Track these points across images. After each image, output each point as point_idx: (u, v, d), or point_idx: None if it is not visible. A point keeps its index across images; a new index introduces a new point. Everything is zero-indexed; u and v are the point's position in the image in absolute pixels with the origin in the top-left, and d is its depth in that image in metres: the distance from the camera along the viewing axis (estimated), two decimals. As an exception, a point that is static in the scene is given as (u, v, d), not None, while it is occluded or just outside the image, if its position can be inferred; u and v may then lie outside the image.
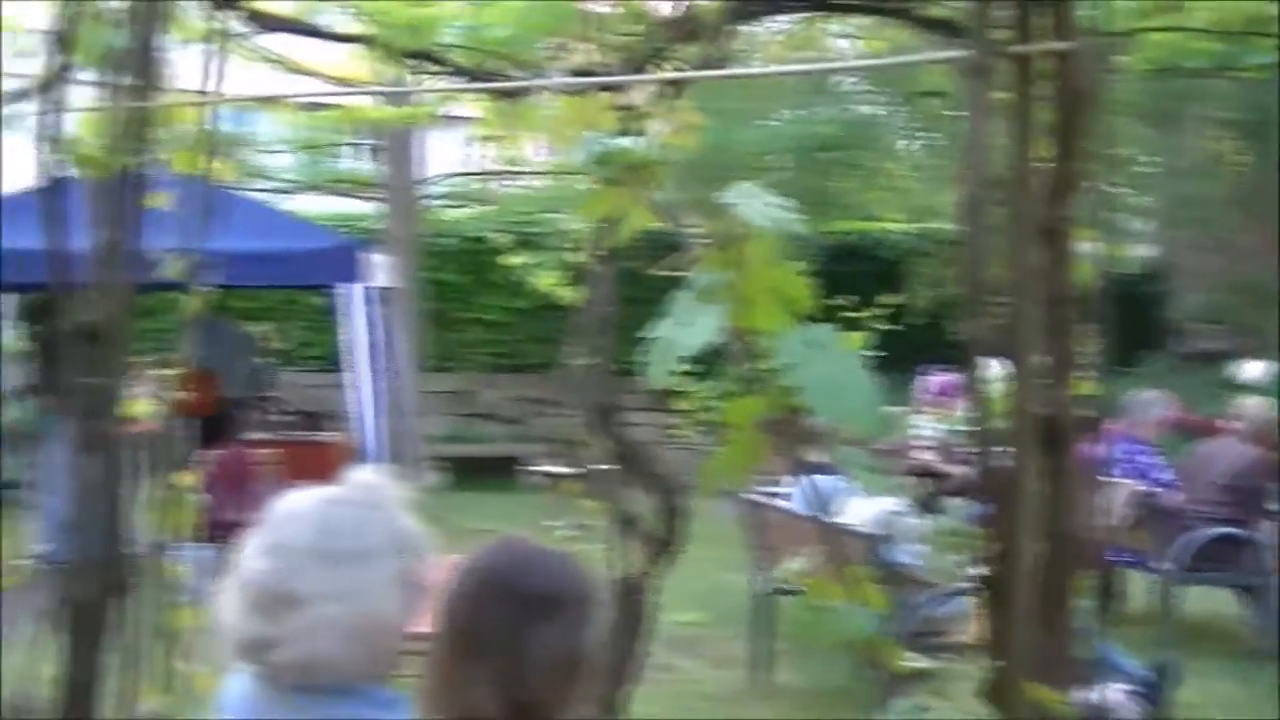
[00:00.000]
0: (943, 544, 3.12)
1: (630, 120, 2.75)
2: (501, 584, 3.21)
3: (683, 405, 16.25)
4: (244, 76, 15.34)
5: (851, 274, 20.59)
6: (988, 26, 2.55)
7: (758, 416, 2.51)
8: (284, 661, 3.13)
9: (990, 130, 2.52)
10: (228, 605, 3.21)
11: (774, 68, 15.03)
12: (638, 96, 2.75)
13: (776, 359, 2.43)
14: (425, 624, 3.26)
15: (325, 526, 3.15)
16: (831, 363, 2.39)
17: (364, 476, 3.29)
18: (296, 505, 3.23)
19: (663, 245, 2.58)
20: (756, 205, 2.46)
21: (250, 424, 16.75)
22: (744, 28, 9.79)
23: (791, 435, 2.56)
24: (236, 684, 3.33)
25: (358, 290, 14.79)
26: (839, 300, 7.34)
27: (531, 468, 19.04)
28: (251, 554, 3.19)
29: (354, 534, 3.15)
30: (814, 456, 2.93)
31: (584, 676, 3.22)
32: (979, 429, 2.56)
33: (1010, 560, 2.52)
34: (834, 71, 18.07)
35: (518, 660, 3.11)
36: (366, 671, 3.16)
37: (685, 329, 2.49)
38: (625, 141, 2.66)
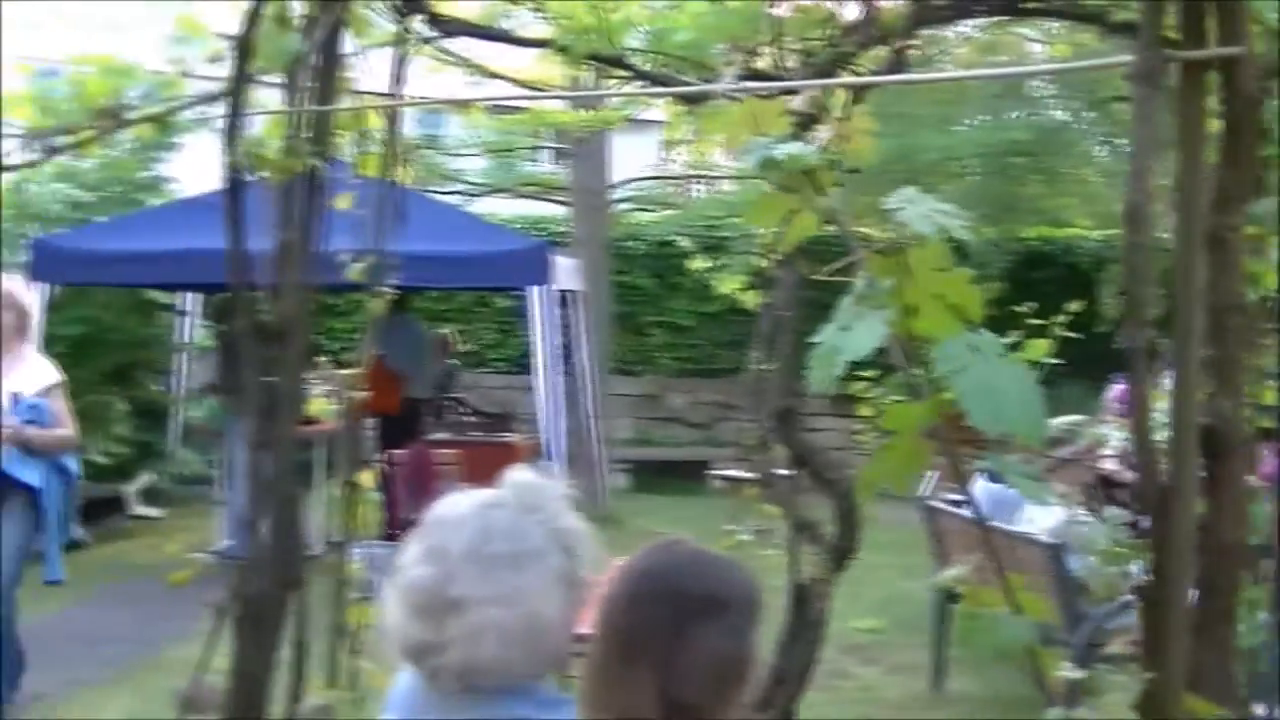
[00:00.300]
0: (1107, 554, 3.07)
1: (804, 125, 2.73)
2: (662, 585, 3.20)
3: (866, 410, 16.18)
4: (434, 80, 15.52)
5: (1040, 280, 20.41)
6: (1158, 31, 2.52)
7: (919, 422, 2.49)
8: (447, 665, 3.14)
9: (1158, 136, 2.48)
10: (391, 608, 3.23)
11: (953, 73, 14.90)
12: (811, 102, 2.73)
13: (939, 365, 2.41)
14: (588, 625, 3.26)
15: (483, 530, 3.16)
16: (993, 370, 2.37)
17: (524, 478, 3.30)
18: (455, 509, 3.24)
19: (839, 250, 2.57)
20: (922, 211, 2.44)
21: (435, 424, 16.89)
22: (930, 31, 9.73)
23: (955, 442, 2.54)
24: (403, 683, 3.36)
25: (545, 293, 14.86)
26: (1026, 306, 7.24)
27: (715, 472, 19.04)
28: (412, 558, 3.21)
29: (512, 537, 3.16)
30: (979, 464, 2.88)
31: (745, 680, 3.20)
32: (1141, 439, 2.53)
33: (1168, 572, 2.48)
34: (1006, 78, 17.91)
35: (677, 662, 3.10)
36: (529, 673, 3.16)
37: (849, 335, 2.47)
38: (795, 147, 2.65)
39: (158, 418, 19.02)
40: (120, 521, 17.58)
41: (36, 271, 15.07)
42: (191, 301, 19.01)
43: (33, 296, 9.76)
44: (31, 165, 7.61)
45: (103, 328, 17.35)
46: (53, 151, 7.11)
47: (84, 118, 6.71)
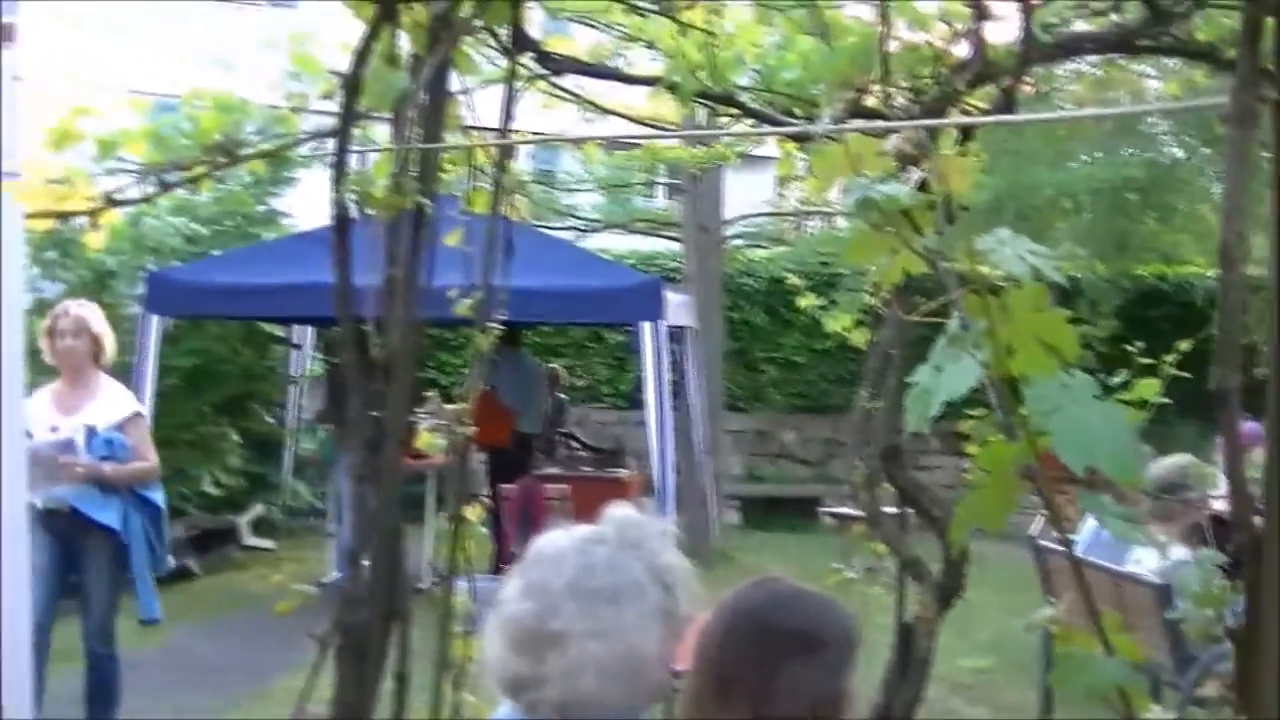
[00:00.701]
0: (1202, 597, 3.03)
1: (904, 164, 2.74)
2: (758, 622, 3.22)
3: (973, 449, 16.08)
4: (547, 116, 15.59)
5: (1154, 318, 20.28)
6: (1254, 71, 2.51)
7: (1013, 462, 2.49)
8: (546, 699, 3.16)
9: (1251, 177, 2.48)
10: (492, 643, 3.26)
11: (1052, 113, 14.84)
12: (912, 140, 2.73)
13: (1031, 405, 2.41)
14: (686, 660, 3.27)
15: (584, 566, 3.18)
16: (1085, 410, 2.37)
17: (624, 514, 3.32)
18: (556, 545, 3.26)
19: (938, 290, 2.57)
20: (1015, 252, 2.44)
21: (545, 459, 16.95)
22: (1042, 69, 9.69)
23: (1053, 482, 2.54)
24: (502, 716, 3.38)
25: (657, 328, 14.88)
26: (1138, 345, 7.19)
27: (826, 509, 19.00)
28: (513, 593, 3.23)
29: (613, 572, 3.18)
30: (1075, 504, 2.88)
31: (840, 717, 3.20)
32: (1234, 481, 2.52)
33: (1261, 615, 2.47)
34: (1105, 117, 17.76)
35: (773, 698, 3.11)
36: (627, 707, 3.18)
37: (942, 375, 2.48)
38: (892, 187, 2.65)
39: (270, 450, 19.20)
40: (232, 552, 17.74)
41: (152, 304, 15.26)
42: (304, 335, 19.18)
43: (104, 322, 9.60)
44: (146, 200, 7.72)
45: (216, 360, 17.53)
46: (167, 186, 7.20)
47: (198, 153, 6.79)
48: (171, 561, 10.08)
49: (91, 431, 9.16)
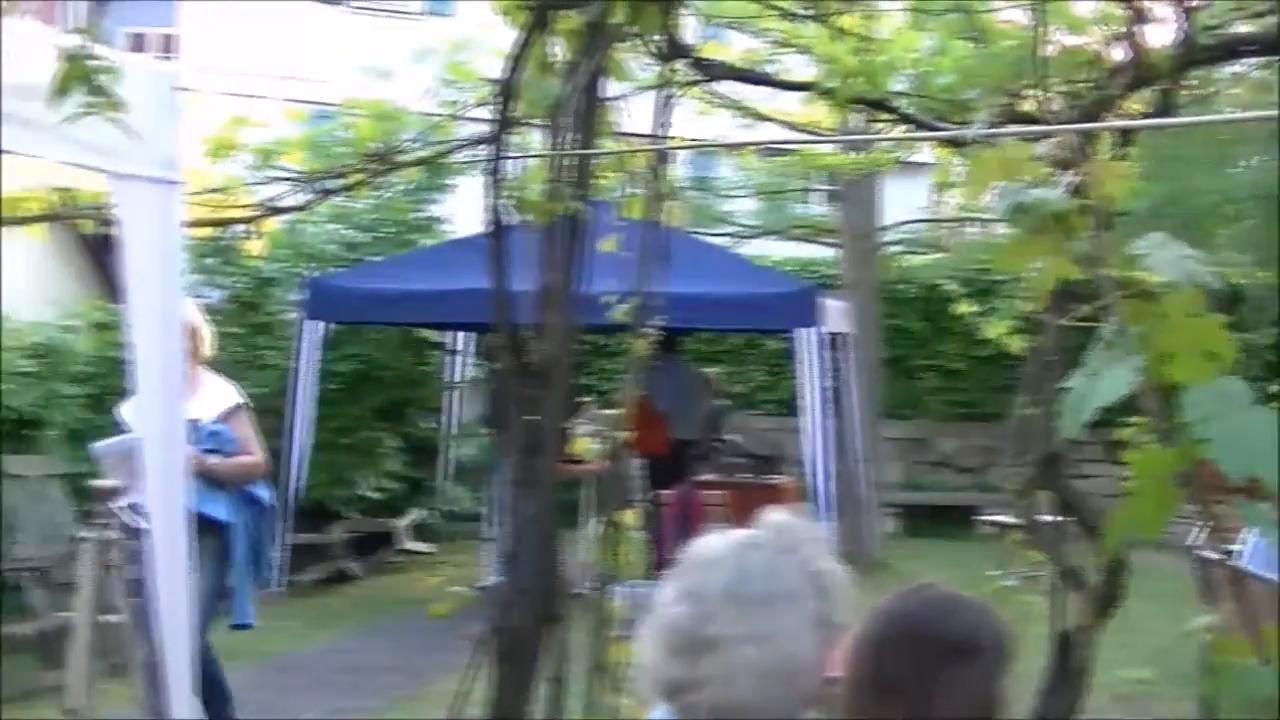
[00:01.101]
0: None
1: (1057, 169, 2.71)
2: (915, 629, 3.20)
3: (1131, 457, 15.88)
4: (703, 123, 15.60)
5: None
6: None
7: (1168, 470, 2.46)
8: (700, 703, 3.16)
9: None
10: (648, 647, 3.26)
11: (1195, 117, 14.62)
12: (1065, 145, 2.71)
13: (1187, 412, 2.38)
14: (840, 667, 3.26)
15: (740, 570, 3.17)
16: (1243, 417, 2.34)
17: (781, 519, 3.30)
18: (712, 549, 3.26)
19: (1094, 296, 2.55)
20: (1170, 257, 2.42)
21: (703, 465, 16.93)
22: (1202, 72, 9.58)
23: (1212, 490, 2.51)
24: (658, 719, 3.38)
25: (814, 335, 14.85)
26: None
27: (984, 517, 18.86)
28: (669, 597, 3.23)
29: (768, 577, 3.16)
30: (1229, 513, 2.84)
31: None
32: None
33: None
34: (1267, 121, 17.50)
35: (931, 705, 3.09)
36: (782, 712, 3.17)
37: (1098, 381, 2.46)
38: (1044, 192, 2.63)
39: (428, 454, 19.35)
40: (390, 556, 17.88)
41: (312, 310, 15.43)
42: (462, 340, 19.31)
43: (199, 315, 9.30)
44: (304, 207, 7.82)
45: (375, 365, 17.70)
46: (325, 194, 7.29)
47: (355, 160, 6.87)
48: (274, 574, 9.74)
49: (195, 425, 8.62)
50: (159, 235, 6.24)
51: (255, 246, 10.74)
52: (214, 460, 8.78)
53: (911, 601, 3.31)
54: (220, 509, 8.81)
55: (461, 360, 19.46)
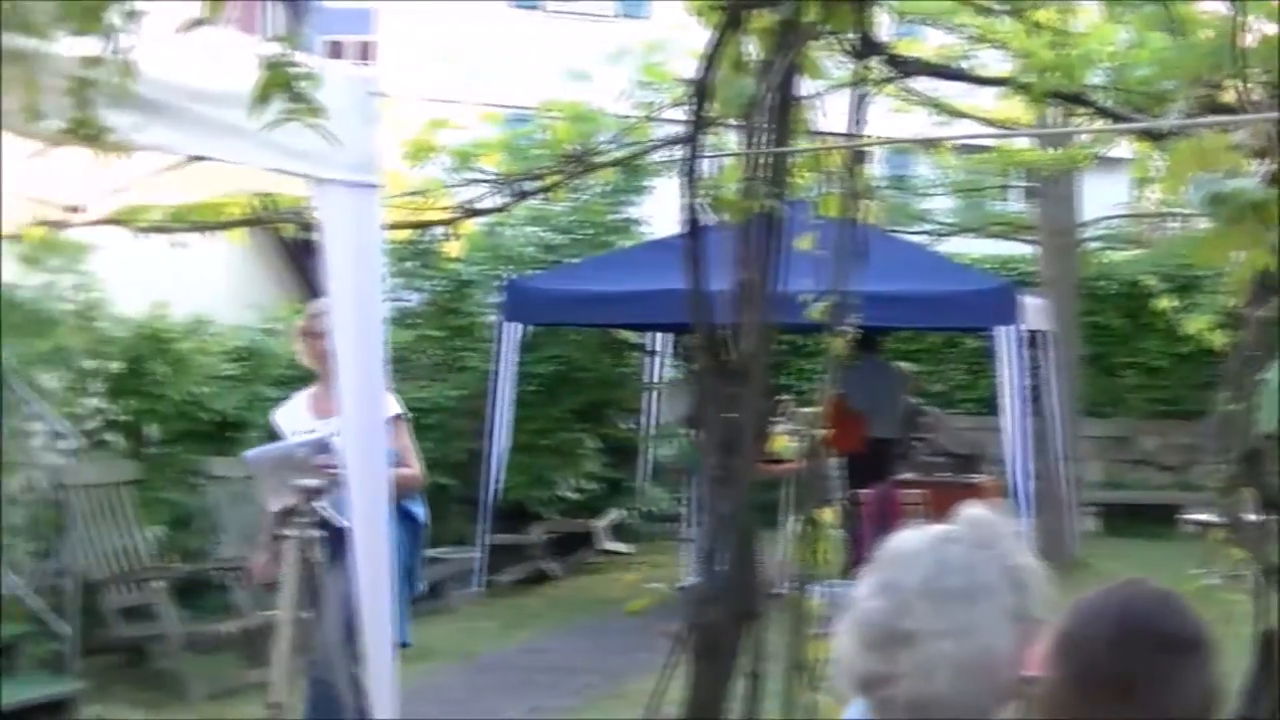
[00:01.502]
0: None
1: (1255, 159, 2.68)
2: (1136, 624, 3.16)
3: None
4: (899, 120, 15.54)
5: None
6: None
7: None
8: (897, 698, 3.15)
9: None
10: (844, 641, 3.26)
11: None
12: (1262, 134, 2.68)
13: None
14: (1038, 663, 3.23)
15: (938, 564, 3.16)
16: None
17: (978, 513, 3.29)
18: (909, 543, 3.25)
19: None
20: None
21: (902, 464, 16.85)
22: None
23: None
24: (853, 715, 3.38)
25: (1012, 333, 14.74)
26: None
27: (1187, 516, 18.59)
28: (866, 592, 3.23)
29: (965, 572, 3.15)
30: None
31: (1219, 717, 3.14)
32: None
33: None
34: None
35: (1159, 702, 3.06)
36: (978, 707, 3.15)
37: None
38: (1241, 181, 2.61)
39: (627, 455, 19.39)
40: (589, 556, 17.95)
41: (510, 312, 15.59)
42: (660, 341, 19.36)
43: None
44: (502, 209, 7.89)
45: (574, 367, 17.78)
46: (523, 195, 7.34)
47: (552, 162, 6.92)
48: (423, 586, 9.38)
49: None
50: (359, 238, 6.32)
51: (454, 249, 10.84)
52: None
53: (1125, 596, 3.27)
54: None
55: (660, 361, 19.50)
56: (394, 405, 8.37)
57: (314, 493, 7.85)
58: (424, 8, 31.24)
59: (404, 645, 8.21)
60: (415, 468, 8.70)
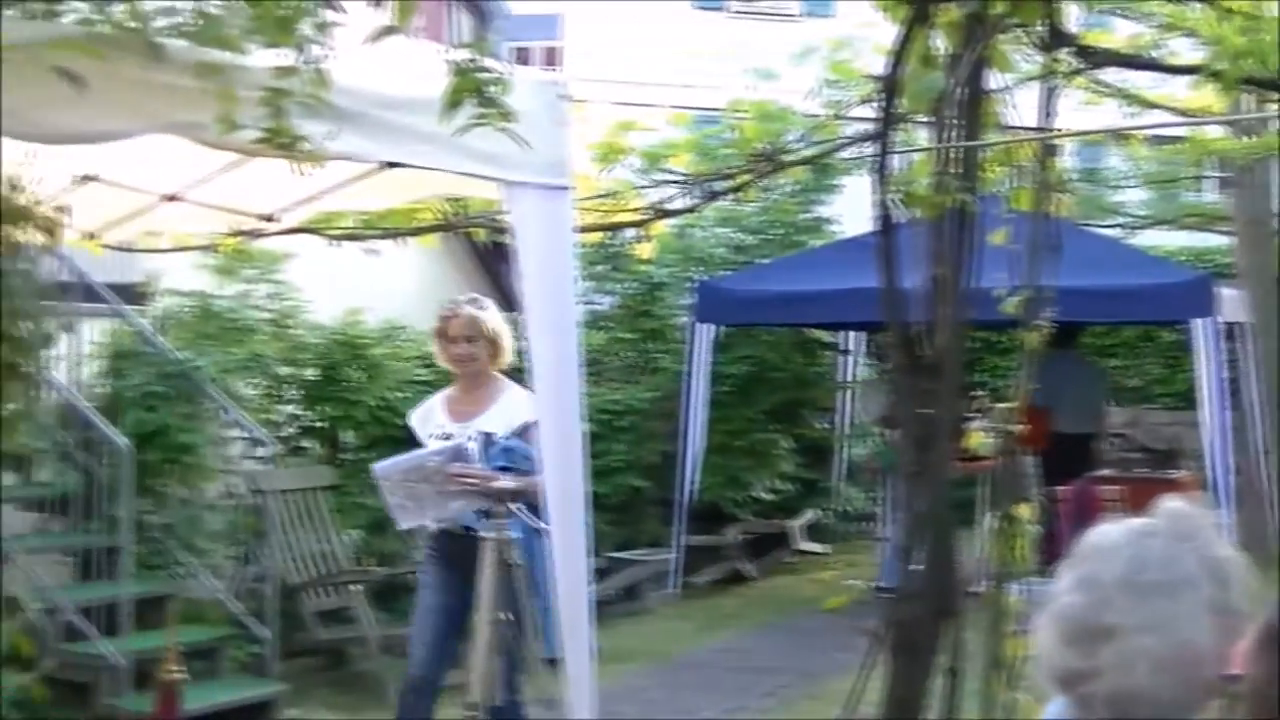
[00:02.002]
0: None
1: None
2: None
3: None
4: (1090, 112, 15.38)
5: None
6: None
7: None
8: (1097, 694, 3.12)
9: None
10: (1044, 636, 3.23)
11: None
12: None
13: None
14: (1241, 659, 3.18)
15: (1135, 558, 3.12)
16: None
17: (1176, 506, 3.25)
18: (1107, 537, 3.21)
19: None
20: None
21: (1099, 460, 16.66)
22: None
23: None
24: (1053, 712, 3.35)
25: (1209, 326, 14.53)
26: None
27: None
28: (1065, 586, 3.20)
29: (1164, 565, 3.11)
30: None
31: None
32: None
33: None
34: None
35: None
36: (1179, 703, 3.11)
37: None
38: None
39: (821, 455, 19.34)
40: (785, 557, 17.93)
41: (702, 313, 15.64)
42: (853, 340, 19.30)
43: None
44: (693, 209, 7.89)
45: (767, 367, 17.76)
46: (713, 196, 7.35)
47: (741, 162, 6.92)
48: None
49: (488, 439, 8.08)
50: (551, 241, 6.36)
51: (645, 252, 10.85)
52: (506, 480, 7.82)
53: None
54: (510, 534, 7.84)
55: (853, 360, 19.44)
56: (532, 410, 7.91)
57: (511, 495, 7.78)
58: (609, 11, 31.43)
59: (550, 661, 7.71)
60: None
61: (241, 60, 4.68)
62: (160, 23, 4.57)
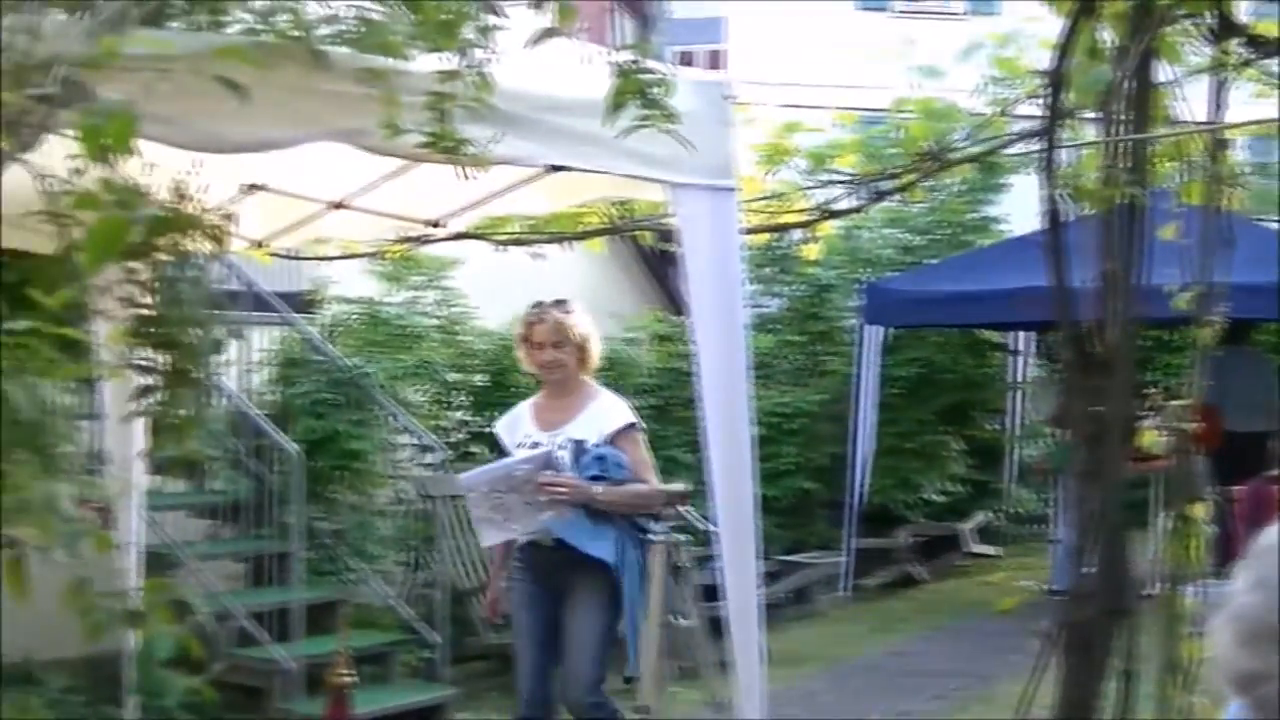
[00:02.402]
0: None
1: None
2: None
3: None
4: (1260, 105, 15.15)
5: None
6: None
7: None
8: (1275, 696, 3.06)
9: None
10: (1220, 638, 3.17)
11: None
12: None
13: None
14: None
15: (1312, 559, 3.06)
16: None
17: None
18: (1280, 537, 3.15)
19: None
20: None
21: (1273, 459, 16.39)
22: None
23: None
24: (1232, 715, 3.29)
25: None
26: None
27: None
28: (1240, 587, 3.13)
29: (1342, 566, 3.04)
30: None
31: None
32: None
33: None
34: None
35: None
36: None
37: None
38: None
39: (992, 457, 19.20)
40: (956, 559, 17.82)
41: (870, 315, 15.58)
42: (1023, 340, 19.13)
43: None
44: (859, 209, 7.85)
45: (936, 368, 17.66)
46: (879, 196, 7.30)
47: (907, 162, 6.87)
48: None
49: (579, 447, 7.87)
50: (718, 242, 6.32)
51: (812, 253, 10.82)
52: (599, 489, 7.71)
53: None
54: (605, 548, 7.74)
55: (1024, 360, 19.28)
56: (626, 414, 8.12)
57: (679, 498, 7.79)
58: (771, 14, 31.40)
59: (627, 680, 7.93)
60: (652, 482, 8.02)
61: (404, 66, 4.70)
62: (323, 30, 4.60)
